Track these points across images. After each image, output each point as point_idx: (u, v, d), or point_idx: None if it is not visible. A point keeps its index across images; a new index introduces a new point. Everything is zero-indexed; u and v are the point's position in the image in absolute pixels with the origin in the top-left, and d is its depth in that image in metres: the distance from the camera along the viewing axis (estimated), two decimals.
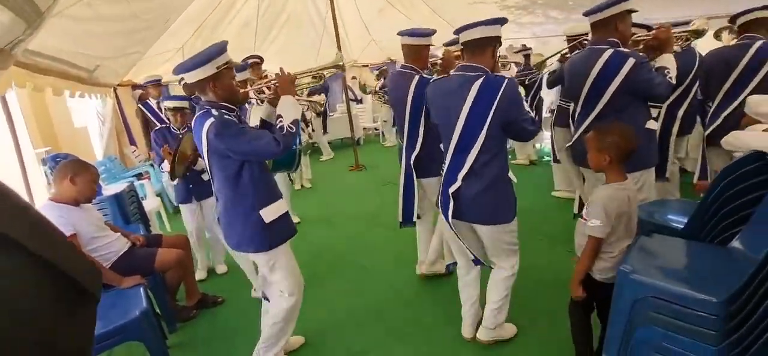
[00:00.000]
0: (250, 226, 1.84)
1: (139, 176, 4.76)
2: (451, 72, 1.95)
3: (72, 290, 0.38)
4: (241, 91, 2.02)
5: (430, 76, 2.45)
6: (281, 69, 1.94)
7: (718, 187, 1.67)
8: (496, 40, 1.87)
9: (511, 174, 1.93)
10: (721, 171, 1.68)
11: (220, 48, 1.77)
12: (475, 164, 1.84)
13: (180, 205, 3.17)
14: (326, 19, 6.56)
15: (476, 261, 2.05)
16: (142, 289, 2.20)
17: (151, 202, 4.17)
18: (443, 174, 2.01)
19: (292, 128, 1.77)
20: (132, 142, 5.64)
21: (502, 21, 1.87)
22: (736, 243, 1.60)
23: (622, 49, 2.12)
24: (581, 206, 2.77)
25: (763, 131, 1.65)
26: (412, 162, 2.55)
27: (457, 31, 1.94)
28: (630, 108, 2.14)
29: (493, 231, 1.93)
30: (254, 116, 1.98)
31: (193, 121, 1.82)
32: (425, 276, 2.85)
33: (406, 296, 2.69)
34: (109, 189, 3.42)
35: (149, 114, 4.78)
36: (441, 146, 2.54)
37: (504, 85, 1.74)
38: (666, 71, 2.11)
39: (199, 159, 3.02)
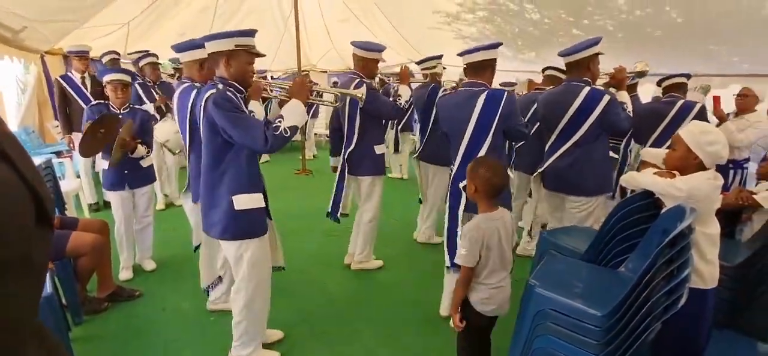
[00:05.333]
0: (221, 209, 1.80)
1: (58, 153, 4.33)
2: (458, 88, 2.21)
3: (41, 212, 0.41)
4: (255, 79, 2.00)
5: (369, 82, 2.67)
6: (301, 74, 1.97)
7: (612, 219, 1.92)
8: (494, 61, 2.18)
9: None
10: (616, 206, 1.94)
11: (245, 32, 1.79)
12: None
13: (109, 192, 2.91)
14: (288, 21, 6.51)
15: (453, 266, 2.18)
16: (48, 274, 2.01)
17: (70, 183, 3.81)
18: (452, 173, 2.25)
19: (287, 132, 1.74)
20: (57, 117, 5.11)
21: (497, 45, 2.18)
22: (623, 268, 1.85)
23: (597, 86, 2.41)
24: (543, 226, 2.93)
25: (653, 174, 1.92)
26: (345, 157, 2.76)
27: (461, 54, 2.21)
28: (598, 139, 2.43)
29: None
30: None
31: (198, 93, 1.80)
32: (354, 271, 3.03)
33: (333, 295, 2.75)
34: None
35: (71, 89, 3.95)
36: (378, 147, 2.84)
37: (504, 97, 2.08)
38: (625, 106, 2.43)
39: (139, 146, 2.84)
